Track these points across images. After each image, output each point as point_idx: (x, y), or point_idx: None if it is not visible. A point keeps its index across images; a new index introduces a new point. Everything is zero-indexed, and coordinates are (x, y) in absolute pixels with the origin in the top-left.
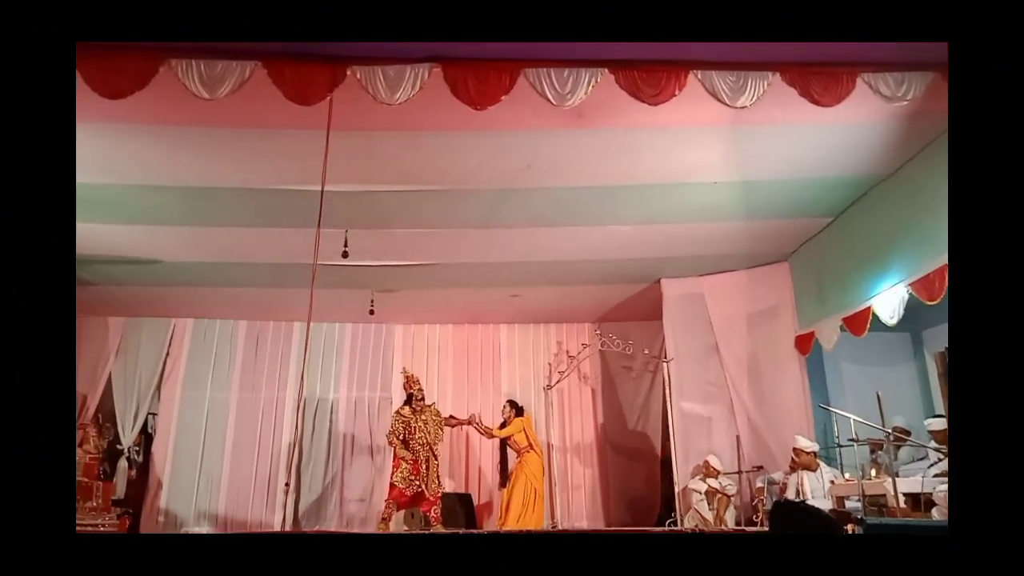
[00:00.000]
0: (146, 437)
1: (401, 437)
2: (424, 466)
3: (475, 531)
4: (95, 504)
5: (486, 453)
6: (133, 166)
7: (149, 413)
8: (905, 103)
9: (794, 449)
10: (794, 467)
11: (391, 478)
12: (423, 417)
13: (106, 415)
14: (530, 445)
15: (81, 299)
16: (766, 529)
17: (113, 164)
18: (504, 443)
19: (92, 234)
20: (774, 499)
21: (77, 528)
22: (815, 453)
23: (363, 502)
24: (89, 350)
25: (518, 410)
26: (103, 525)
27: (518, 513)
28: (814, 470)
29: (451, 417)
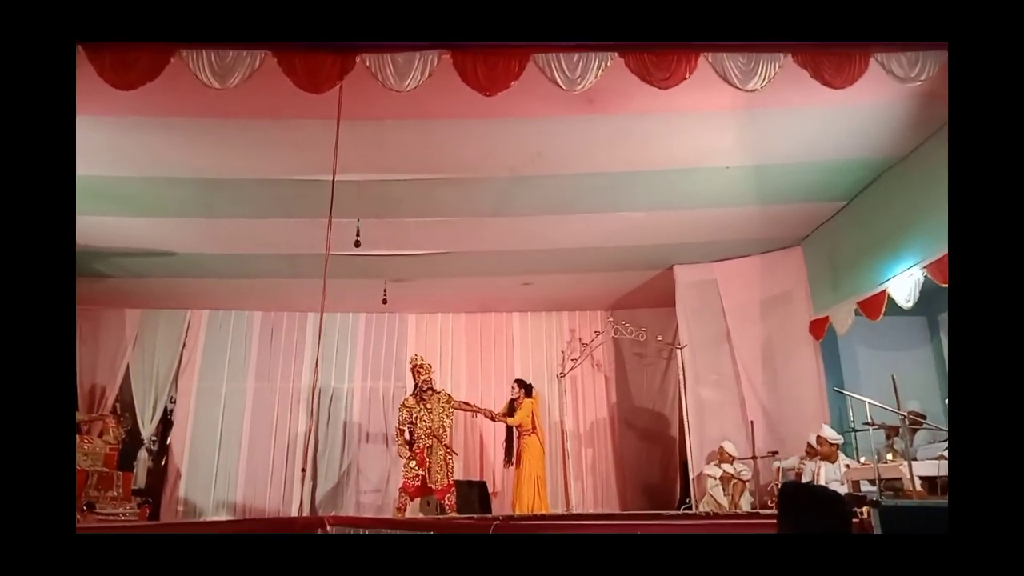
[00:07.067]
0: (166, 425)
1: (405, 428)
2: (428, 456)
3: (490, 516)
4: (115, 494)
5: (500, 441)
6: (147, 158)
7: (169, 400)
8: (919, 83)
9: (818, 437)
10: (811, 453)
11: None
12: (428, 406)
13: (124, 406)
14: (533, 427)
15: (98, 291)
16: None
17: (127, 156)
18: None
19: (108, 227)
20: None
21: (98, 518)
22: (838, 446)
23: (379, 490)
24: (107, 342)
25: (527, 390)
26: (124, 514)
27: (527, 503)
28: (834, 462)
29: (465, 403)
